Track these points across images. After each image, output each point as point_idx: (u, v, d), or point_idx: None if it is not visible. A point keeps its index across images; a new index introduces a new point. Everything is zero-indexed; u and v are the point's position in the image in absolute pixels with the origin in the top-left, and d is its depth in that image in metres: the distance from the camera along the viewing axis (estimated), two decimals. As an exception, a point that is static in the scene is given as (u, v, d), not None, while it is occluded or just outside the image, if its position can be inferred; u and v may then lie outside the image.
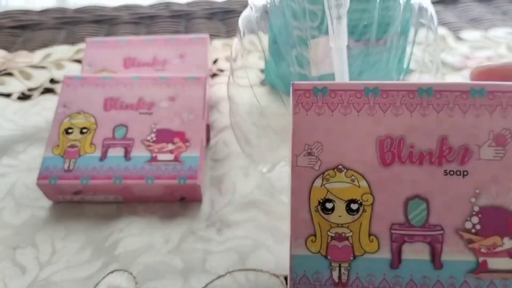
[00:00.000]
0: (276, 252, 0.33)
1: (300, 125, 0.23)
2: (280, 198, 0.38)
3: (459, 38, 0.60)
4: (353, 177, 0.23)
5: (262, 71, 0.53)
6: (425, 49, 0.37)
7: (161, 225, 0.36)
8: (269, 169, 0.39)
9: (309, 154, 0.23)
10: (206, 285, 0.32)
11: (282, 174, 0.39)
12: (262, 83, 0.51)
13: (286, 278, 0.32)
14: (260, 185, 0.39)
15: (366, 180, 0.23)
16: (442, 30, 0.61)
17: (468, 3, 0.69)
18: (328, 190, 0.23)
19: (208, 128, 0.43)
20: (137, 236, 0.35)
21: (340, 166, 0.23)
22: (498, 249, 0.22)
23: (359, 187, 0.23)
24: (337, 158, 0.23)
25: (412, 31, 0.38)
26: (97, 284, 0.32)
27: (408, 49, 0.41)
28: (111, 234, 0.36)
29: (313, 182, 0.23)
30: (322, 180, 0.23)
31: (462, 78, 0.52)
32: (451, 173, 0.22)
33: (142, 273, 0.32)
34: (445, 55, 0.56)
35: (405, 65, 0.42)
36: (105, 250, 0.34)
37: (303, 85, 0.23)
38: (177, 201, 0.38)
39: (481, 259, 0.22)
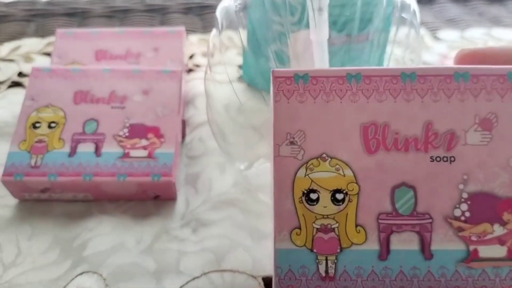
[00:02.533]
0: (254, 252, 0.32)
1: (281, 114, 0.22)
2: (258, 196, 0.37)
3: (436, 38, 0.60)
4: (337, 166, 0.22)
5: (240, 67, 0.51)
6: (406, 47, 0.37)
7: (133, 225, 0.35)
8: (247, 167, 0.38)
9: (292, 143, 0.22)
10: (181, 287, 0.30)
11: (260, 171, 0.38)
12: (240, 79, 0.50)
13: (264, 279, 0.30)
14: (237, 182, 0.38)
15: (351, 169, 0.22)
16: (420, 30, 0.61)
17: (444, 4, 0.69)
18: (312, 180, 0.22)
19: (184, 124, 0.42)
20: (107, 236, 0.34)
21: (324, 155, 0.22)
22: (489, 236, 0.22)
23: (344, 176, 0.22)
24: (320, 147, 0.22)
25: (393, 29, 0.38)
26: (65, 287, 0.30)
27: (389, 49, 0.40)
28: (80, 234, 0.34)
29: (296, 172, 0.22)
30: (306, 170, 0.22)
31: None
32: (438, 159, 0.22)
33: (112, 274, 0.31)
34: (423, 54, 0.56)
35: (385, 64, 0.42)
36: (73, 251, 0.33)
37: (284, 72, 0.22)
38: (151, 199, 0.36)
39: (471, 247, 0.22)
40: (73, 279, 0.31)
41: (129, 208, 0.36)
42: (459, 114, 0.22)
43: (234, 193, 0.37)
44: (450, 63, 0.54)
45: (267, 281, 0.30)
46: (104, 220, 0.35)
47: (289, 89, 0.22)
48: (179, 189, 0.38)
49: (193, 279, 0.31)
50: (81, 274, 0.31)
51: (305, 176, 0.22)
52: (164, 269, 0.31)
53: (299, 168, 0.22)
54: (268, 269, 0.31)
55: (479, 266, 0.21)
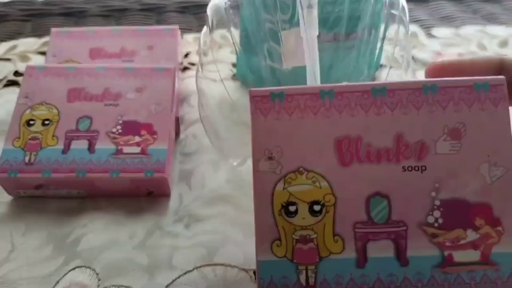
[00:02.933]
0: (245, 247, 0.32)
1: (259, 131, 0.23)
2: (250, 193, 0.37)
3: (430, 35, 0.60)
4: (314, 178, 0.23)
5: (233, 65, 0.52)
6: (395, 43, 0.37)
7: (126, 221, 0.35)
8: (240, 163, 0.38)
9: (270, 158, 0.23)
10: (173, 281, 0.31)
11: (253, 168, 0.38)
12: (233, 77, 0.50)
13: (255, 273, 0.31)
14: (230, 179, 0.38)
15: (327, 181, 0.23)
16: (413, 27, 0.61)
17: (439, 1, 0.70)
18: (290, 193, 0.23)
19: (178, 121, 0.42)
20: (100, 232, 0.34)
21: (301, 169, 0.23)
22: (462, 241, 0.22)
23: (320, 188, 0.23)
24: (297, 161, 0.23)
25: (383, 25, 0.38)
26: (58, 282, 0.31)
27: (379, 44, 0.41)
28: (73, 230, 0.34)
29: (275, 186, 0.23)
30: (284, 183, 0.23)
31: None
32: (409, 168, 0.23)
33: (105, 269, 0.31)
34: (417, 51, 0.56)
35: (375, 60, 0.42)
36: (66, 247, 0.33)
37: (260, 92, 0.23)
38: (144, 195, 0.37)
39: (446, 252, 0.22)
40: (66, 274, 0.31)
41: (122, 205, 0.36)
42: (428, 125, 0.23)
43: (227, 190, 0.37)
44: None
45: (258, 275, 0.31)
46: (98, 216, 0.35)
47: (266, 107, 0.23)
48: (173, 186, 0.38)
49: (185, 273, 0.31)
50: (74, 269, 0.31)
51: (283, 189, 0.23)
52: (156, 264, 0.32)
53: (278, 182, 0.23)
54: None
55: (454, 271, 0.22)
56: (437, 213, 0.22)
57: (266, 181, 0.23)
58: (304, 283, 0.22)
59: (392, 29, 0.37)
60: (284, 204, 0.23)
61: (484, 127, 0.22)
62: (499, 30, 0.62)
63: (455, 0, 0.70)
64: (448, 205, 0.22)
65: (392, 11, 0.36)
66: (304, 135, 0.23)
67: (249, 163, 0.37)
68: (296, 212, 0.23)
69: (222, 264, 0.31)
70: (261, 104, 0.23)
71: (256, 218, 0.23)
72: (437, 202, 0.22)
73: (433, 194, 0.22)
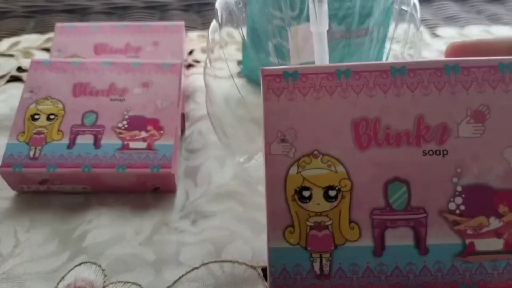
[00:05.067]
0: (253, 243, 0.32)
1: (271, 112, 0.22)
2: (257, 189, 0.36)
3: (435, 35, 0.60)
4: (329, 162, 0.22)
5: (239, 62, 0.51)
6: (405, 42, 0.37)
7: (132, 217, 0.34)
8: (247, 159, 0.38)
9: (283, 141, 0.22)
10: (180, 277, 0.30)
11: (260, 164, 0.37)
12: (239, 75, 0.50)
13: (263, 270, 0.30)
14: (237, 175, 0.38)
15: (343, 165, 0.22)
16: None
17: (443, 2, 0.70)
18: (304, 178, 0.22)
19: (183, 117, 0.42)
20: (106, 228, 0.33)
21: (316, 152, 0.22)
22: (485, 229, 0.21)
23: (336, 172, 0.22)
24: (312, 144, 0.22)
25: (393, 24, 0.38)
26: (63, 277, 0.30)
27: (387, 45, 0.40)
28: (79, 226, 0.34)
29: (288, 170, 0.22)
30: (298, 167, 0.22)
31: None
32: (430, 153, 0.22)
33: (111, 265, 0.31)
34: (422, 51, 0.56)
35: (384, 60, 0.42)
36: (72, 242, 0.33)
37: (273, 70, 0.22)
38: (150, 191, 0.36)
39: (468, 241, 0.21)
40: (71, 269, 0.30)
41: (128, 200, 0.36)
42: (450, 107, 0.22)
43: (234, 186, 0.37)
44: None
45: (266, 272, 0.30)
46: (103, 212, 0.35)
47: (279, 87, 0.22)
48: (179, 182, 0.37)
49: (193, 269, 0.30)
50: (79, 264, 0.31)
51: (297, 173, 0.22)
52: (163, 260, 0.31)
53: (291, 166, 0.22)
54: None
55: (476, 260, 0.21)
56: (458, 200, 0.21)
57: (278, 165, 0.22)
58: (318, 272, 0.21)
59: (402, 27, 0.37)
60: (298, 189, 0.22)
61: (509, 110, 0.21)
62: (503, 31, 0.61)
63: (458, 0, 0.70)
64: (470, 191, 0.21)
65: (402, 7, 0.36)
66: (319, 116, 0.22)
67: (256, 159, 0.37)
68: (310, 197, 0.22)
69: (230, 261, 0.31)
70: (273, 84, 0.22)
71: (267, 203, 0.22)
72: (459, 188, 0.21)
73: (455, 179, 0.21)
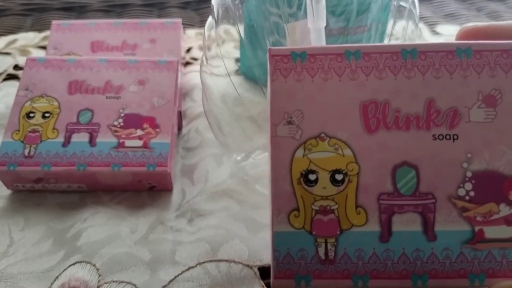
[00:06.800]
0: (250, 243, 0.32)
1: (278, 93, 0.21)
2: (254, 187, 0.36)
3: (435, 32, 0.60)
4: (336, 145, 0.21)
5: (237, 60, 0.51)
6: (403, 39, 0.36)
7: (128, 215, 0.34)
8: (244, 158, 0.37)
9: (289, 123, 0.21)
10: (175, 277, 0.30)
11: (257, 162, 0.37)
12: (237, 72, 0.49)
13: (259, 269, 0.30)
14: (233, 174, 0.38)
15: (350, 149, 0.21)
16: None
17: None
18: (310, 161, 0.21)
19: (180, 115, 0.41)
20: (101, 227, 0.33)
21: (323, 135, 0.21)
22: (495, 216, 0.21)
23: (343, 156, 0.21)
24: (319, 126, 0.21)
25: (391, 21, 0.37)
26: (57, 277, 0.30)
27: (386, 42, 0.40)
28: (73, 225, 0.33)
29: (294, 153, 0.21)
30: (304, 150, 0.21)
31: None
32: (440, 137, 0.21)
33: (106, 264, 0.30)
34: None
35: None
36: (66, 241, 0.32)
37: (281, 51, 0.22)
38: (146, 190, 0.36)
39: (477, 228, 0.21)
40: (65, 269, 0.30)
41: (124, 199, 0.35)
42: (462, 90, 0.21)
43: (231, 184, 0.37)
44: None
45: (263, 271, 0.30)
46: (99, 210, 0.34)
47: (286, 67, 0.22)
48: (175, 181, 0.37)
49: (188, 269, 0.30)
50: (73, 264, 0.30)
51: (303, 156, 0.21)
52: (159, 259, 0.31)
53: (297, 149, 0.21)
54: (264, 259, 0.30)
55: (485, 248, 0.21)
56: (468, 186, 0.21)
57: (284, 147, 0.21)
58: (323, 257, 0.21)
59: (400, 24, 0.36)
60: (304, 172, 0.21)
61: None
62: (504, 28, 0.61)
63: (459, -2, 0.70)
64: (480, 177, 0.21)
65: (401, 4, 0.35)
66: (327, 98, 0.21)
67: (253, 158, 0.37)
68: (316, 181, 0.21)
69: (226, 260, 0.31)
70: (281, 64, 0.22)
71: (272, 186, 0.21)
72: (469, 174, 0.21)
73: (465, 165, 0.21)
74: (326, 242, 0.21)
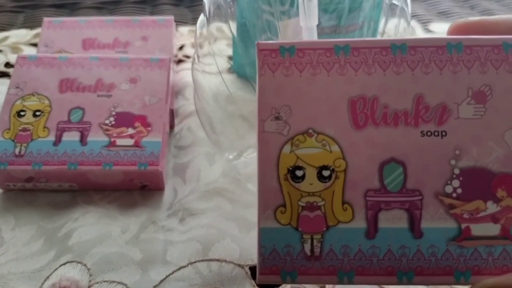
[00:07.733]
0: (241, 242, 0.32)
1: (266, 88, 0.21)
2: (246, 186, 0.36)
3: (428, 30, 0.60)
4: (324, 141, 0.21)
5: (229, 58, 0.51)
6: (396, 37, 0.36)
7: (119, 215, 0.34)
8: (236, 157, 0.37)
9: (277, 118, 0.21)
10: (166, 276, 0.30)
11: (249, 161, 0.37)
12: (229, 70, 0.49)
13: (250, 268, 0.30)
14: (226, 173, 0.37)
15: (338, 145, 0.21)
16: (411, 22, 0.61)
17: (436, -3, 0.69)
18: (297, 157, 0.21)
19: (172, 114, 0.41)
20: (92, 226, 0.33)
21: (310, 131, 0.21)
22: (482, 214, 0.21)
23: (330, 152, 0.21)
24: (307, 122, 0.21)
25: (383, 19, 0.37)
26: (48, 277, 0.30)
27: (379, 37, 0.40)
28: (64, 224, 0.33)
29: (281, 149, 0.21)
30: (291, 146, 0.21)
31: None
32: (429, 134, 0.21)
33: (97, 264, 0.30)
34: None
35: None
36: (57, 241, 0.32)
37: (269, 45, 0.22)
38: (138, 189, 0.36)
39: (463, 225, 0.21)
40: (56, 269, 0.30)
41: (115, 198, 0.35)
42: (451, 86, 0.21)
43: (223, 183, 0.37)
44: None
45: (254, 271, 0.30)
46: (90, 210, 0.34)
47: (275, 62, 0.21)
48: (167, 180, 0.37)
49: (179, 268, 0.30)
50: (64, 264, 0.30)
51: (290, 152, 0.21)
52: (150, 259, 0.31)
53: (284, 144, 0.21)
54: (256, 259, 0.30)
55: (471, 245, 0.21)
56: (456, 183, 0.21)
57: (272, 143, 0.21)
58: (308, 253, 0.21)
59: (393, 22, 0.36)
60: (291, 168, 0.21)
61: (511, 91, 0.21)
62: (496, 26, 0.61)
63: (452, -5, 0.70)
64: (468, 174, 0.21)
65: (393, 2, 0.35)
66: (315, 94, 0.21)
67: (245, 156, 0.37)
68: (303, 177, 0.21)
69: (217, 260, 0.31)
70: (269, 59, 0.21)
71: (259, 182, 0.21)
72: (457, 171, 0.21)
73: (453, 162, 0.21)
74: (312, 238, 0.21)
